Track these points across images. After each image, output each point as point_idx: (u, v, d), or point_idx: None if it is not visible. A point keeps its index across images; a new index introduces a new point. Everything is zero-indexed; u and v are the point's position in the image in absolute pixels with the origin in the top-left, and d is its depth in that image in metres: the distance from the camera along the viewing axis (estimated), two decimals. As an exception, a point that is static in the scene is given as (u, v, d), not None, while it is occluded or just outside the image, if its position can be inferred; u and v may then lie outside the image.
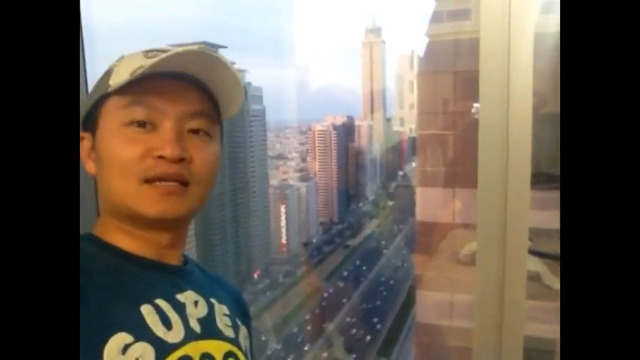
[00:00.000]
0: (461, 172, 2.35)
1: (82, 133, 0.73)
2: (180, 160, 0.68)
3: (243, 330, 0.80)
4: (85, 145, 0.73)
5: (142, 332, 0.63)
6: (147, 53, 0.69)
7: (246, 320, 0.83)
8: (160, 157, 0.67)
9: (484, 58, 1.09)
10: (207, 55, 0.68)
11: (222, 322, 0.75)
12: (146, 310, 0.65)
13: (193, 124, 0.71)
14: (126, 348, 0.60)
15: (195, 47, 0.68)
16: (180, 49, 0.66)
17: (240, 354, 0.75)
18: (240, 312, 0.83)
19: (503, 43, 1.05)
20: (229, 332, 0.75)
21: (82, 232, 0.72)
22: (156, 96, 0.68)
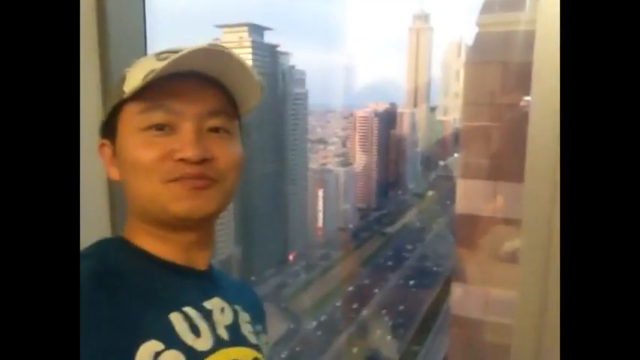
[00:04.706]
0: (505, 165, 2.31)
1: (102, 140, 0.73)
2: (204, 161, 0.67)
3: (263, 337, 0.80)
4: (106, 151, 0.73)
5: (172, 340, 0.63)
6: (159, 56, 0.68)
7: (265, 327, 0.83)
8: (181, 159, 0.66)
9: (539, 51, 1.05)
10: (218, 52, 0.67)
11: (247, 329, 0.75)
12: (175, 317, 0.65)
13: (212, 122, 0.70)
14: (157, 355, 0.60)
15: (205, 45, 0.66)
16: (189, 49, 0.65)
17: None
18: (260, 318, 0.83)
19: (558, 36, 1.02)
20: (253, 339, 0.76)
21: (112, 234, 0.74)
22: (172, 98, 0.68)
